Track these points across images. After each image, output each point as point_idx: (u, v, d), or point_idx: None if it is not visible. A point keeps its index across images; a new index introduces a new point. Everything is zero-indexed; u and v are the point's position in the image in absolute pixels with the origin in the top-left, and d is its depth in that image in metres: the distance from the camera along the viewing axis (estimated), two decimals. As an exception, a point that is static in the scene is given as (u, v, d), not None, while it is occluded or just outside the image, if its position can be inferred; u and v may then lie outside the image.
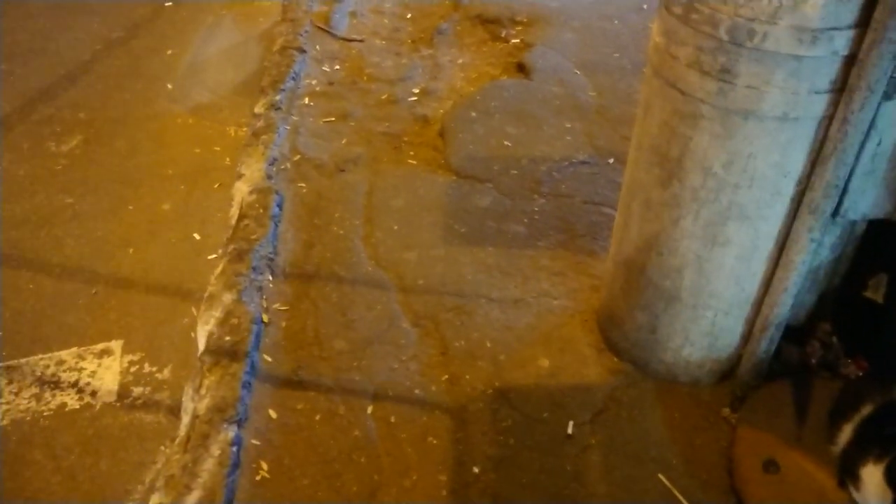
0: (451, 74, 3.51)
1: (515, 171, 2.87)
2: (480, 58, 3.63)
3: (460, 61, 3.63)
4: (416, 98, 3.34)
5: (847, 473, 1.70)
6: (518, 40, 3.72)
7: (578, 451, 1.92)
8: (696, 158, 1.66)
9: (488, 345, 2.20)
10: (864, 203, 1.76)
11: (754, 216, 1.68)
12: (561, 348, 2.18)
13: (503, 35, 3.78)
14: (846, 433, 1.74)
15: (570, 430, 1.96)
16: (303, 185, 2.82)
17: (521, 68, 3.44)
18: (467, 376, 2.11)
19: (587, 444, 1.94)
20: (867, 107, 1.52)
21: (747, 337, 1.92)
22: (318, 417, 2.01)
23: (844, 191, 1.70)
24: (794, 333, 2.06)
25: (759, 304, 1.85)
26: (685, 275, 1.82)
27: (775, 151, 1.59)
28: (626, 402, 2.03)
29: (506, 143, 3.01)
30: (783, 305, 1.81)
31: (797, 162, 1.61)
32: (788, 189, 1.64)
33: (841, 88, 1.53)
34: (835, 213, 1.76)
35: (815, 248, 1.84)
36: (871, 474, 1.62)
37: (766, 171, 1.61)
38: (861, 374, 1.91)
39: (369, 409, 2.02)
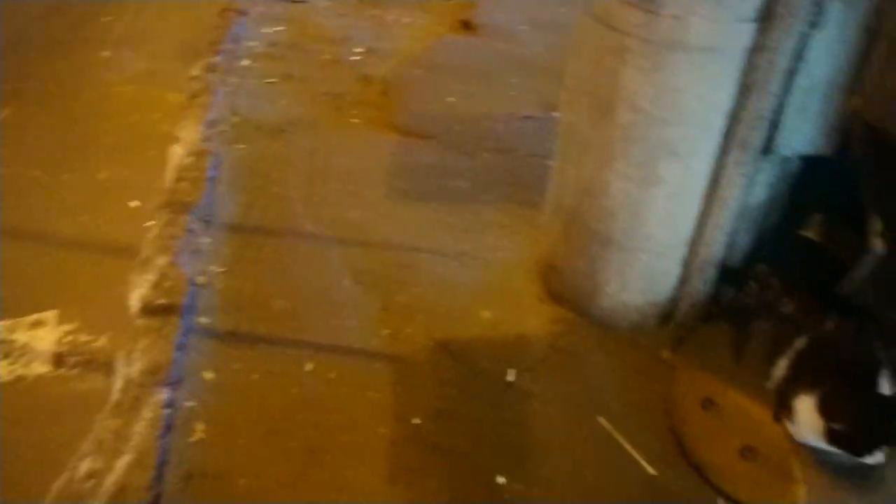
0: (397, 34, 3.45)
1: (460, 128, 2.83)
2: (426, 17, 3.57)
3: (406, 20, 3.56)
4: (359, 58, 3.28)
5: (782, 406, 1.71)
6: (465, -2, 3.67)
7: (519, 399, 1.91)
8: (624, 95, 1.63)
9: (430, 298, 2.17)
10: (797, 139, 1.75)
11: (685, 153, 1.66)
12: (503, 300, 2.16)
13: (449, -7, 3.72)
14: (781, 368, 1.74)
15: (510, 379, 1.95)
16: (242, 146, 2.75)
17: (468, 26, 3.39)
18: (408, 330, 2.08)
19: (528, 391, 1.92)
20: (792, 35, 1.50)
21: (684, 278, 1.92)
22: (255, 377, 1.97)
23: (777, 126, 1.70)
24: (732, 275, 2.06)
25: (694, 245, 1.84)
26: (619, 217, 1.80)
27: (703, 85, 1.56)
28: (568, 350, 2.02)
29: (450, 99, 2.96)
30: (717, 244, 1.80)
31: (725, 95, 1.59)
32: (718, 124, 1.63)
33: (766, 17, 1.51)
34: (767, 149, 1.75)
35: (750, 187, 1.84)
36: (804, 405, 1.62)
37: (694, 106, 1.59)
38: (796, 311, 1.91)
39: (309, 367, 1.99)
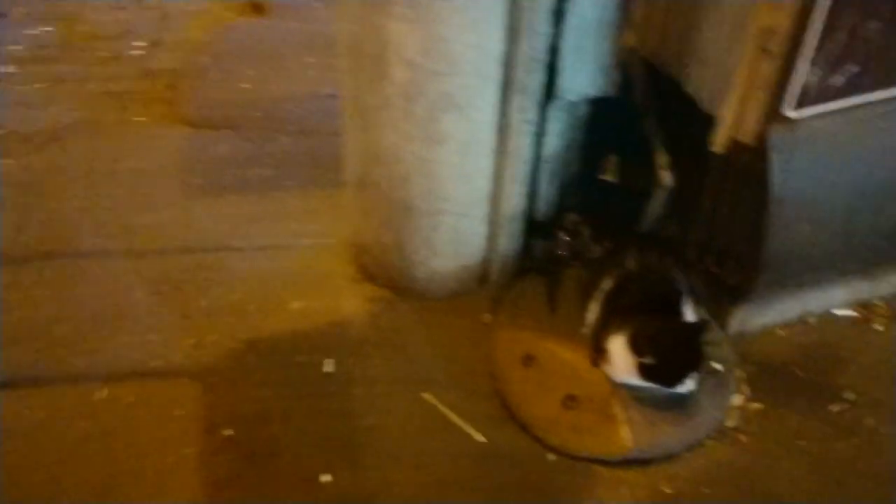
0: (182, 24, 3.19)
1: (257, 114, 2.64)
2: (214, 3, 3.33)
3: (191, 9, 3.30)
4: (142, 52, 3.00)
5: (597, 350, 1.70)
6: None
7: (340, 389, 1.79)
8: (395, 50, 1.53)
9: (235, 298, 1.99)
10: (578, 82, 1.73)
11: (466, 105, 1.59)
12: (314, 287, 2.03)
13: (237, -23, 3.49)
14: (592, 312, 1.73)
15: (329, 369, 1.82)
16: (9, 161, 2.42)
17: (258, 8, 3.20)
18: (213, 336, 1.90)
19: (349, 378, 1.81)
20: (550, -27, 1.46)
21: (492, 237, 1.87)
22: (41, 416, 1.72)
23: (556, 70, 1.66)
24: (541, 228, 2.04)
25: (494, 200, 1.79)
26: (414, 181, 1.72)
27: (469, 31, 1.50)
28: (387, 329, 1.92)
29: (244, 85, 2.77)
30: (517, 198, 1.76)
31: (495, 40, 1.53)
32: (493, 71, 1.57)
33: (523, -43, 1.47)
34: (551, 95, 1.72)
35: (543, 136, 1.81)
36: (616, 344, 1.61)
37: (466, 54, 1.52)
38: (604, 254, 1.91)
39: (101, 395, 1.76)
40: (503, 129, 1.65)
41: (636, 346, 1.56)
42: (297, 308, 1.97)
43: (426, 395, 1.77)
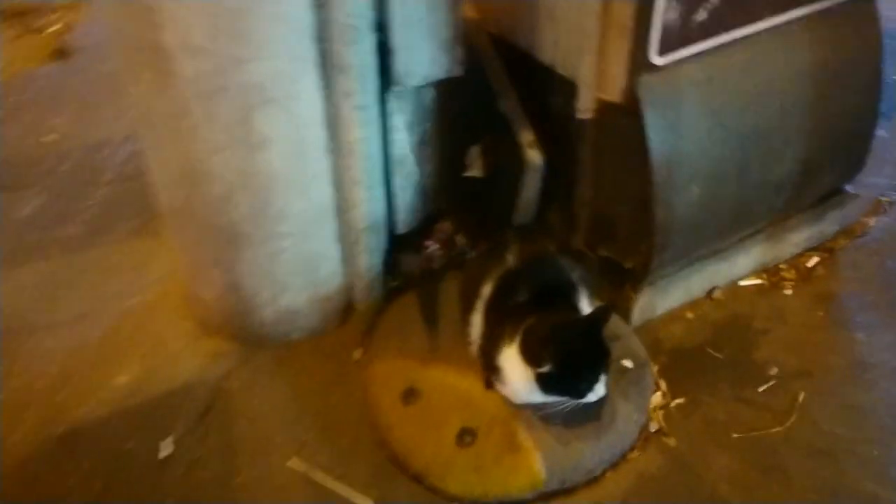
0: (-26, 79, 2.75)
1: (67, 166, 2.25)
2: (11, 50, 2.91)
3: (-14, 62, 2.87)
4: (-74, 116, 2.54)
5: (489, 369, 1.42)
6: (59, 26, 3.06)
7: (183, 471, 1.42)
8: (170, 39, 1.22)
9: (44, 385, 1.60)
10: (418, 62, 1.48)
11: (282, 96, 1.30)
12: (144, 353, 1.66)
13: (40, 24, 3.09)
14: (476, 325, 1.45)
15: (166, 452, 1.45)
16: None
17: (62, 53, 2.82)
18: (17, 435, 1.49)
19: (194, 457, 1.45)
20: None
21: (347, 258, 1.57)
22: None
23: (390, 51, 1.41)
24: (408, 241, 1.77)
25: (341, 213, 1.50)
26: (237, 201, 1.40)
27: (266, 1, 1.21)
28: (239, 388, 1.58)
29: (51, 137, 2.37)
30: (366, 204, 1.48)
31: (300, 10, 1.25)
32: (308, 49, 1.28)
33: None
34: (390, 81, 1.46)
35: (389, 133, 1.54)
36: (507, 358, 1.34)
37: (268, 30, 1.24)
38: (482, 258, 1.65)
39: None
40: (333, 122, 1.37)
41: (529, 355, 1.29)
42: (122, 383, 1.59)
43: (294, 463, 1.44)
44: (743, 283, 1.78)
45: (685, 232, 1.53)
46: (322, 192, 1.45)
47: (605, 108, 1.46)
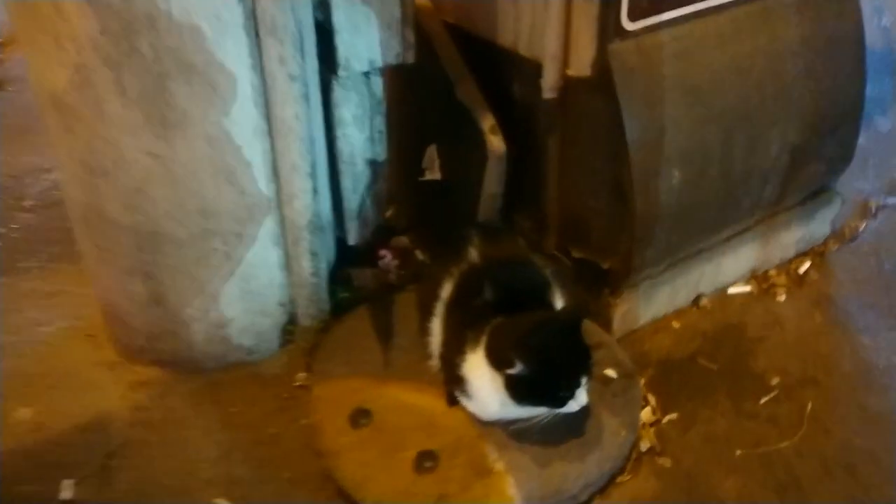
0: None
1: (-13, 195, 2.05)
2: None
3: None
4: None
5: (452, 382, 1.21)
6: (-6, 62, 2.90)
7: (86, 519, 1.19)
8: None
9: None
10: (365, 45, 1.32)
11: (204, 64, 1.12)
12: (53, 384, 1.42)
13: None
14: (436, 333, 1.26)
15: (66, 495, 1.21)
16: None
17: (-5, 84, 2.65)
18: None
19: (97, 501, 1.21)
20: None
21: (289, 264, 1.37)
22: None
23: (332, 29, 1.26)
24: (363, 255, 1.59)
25: (279, 209, 1.31)
26: (153, 193, 1.21)
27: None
28: (160, 420, 1.35)
29: (-25, 169, 2.17)
30: (305, 196, 1.29)
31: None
32: (230, 7, 1.11)
33: None
34: (335, 65, 1.30)
35: (340, 128, 1.38)
36: (474, 366, 1.14)
37: (187, -10, 1.08)
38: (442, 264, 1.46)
39: None
40: (265, 97, 1.19)
41: (497, 358, 1.09)
42: (24, 418, 1.35)
43: (220, 501, 1.20)
44: (732, 290, 1.61)
45: (667, 223, 1.36)
46: (256, 183, 1.26)
47: (573, 85, 1.31)
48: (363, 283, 1.55)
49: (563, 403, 1.10)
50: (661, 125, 1.28)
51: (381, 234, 1.64)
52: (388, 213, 1.74)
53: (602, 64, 1.24)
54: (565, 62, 1.29)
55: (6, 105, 2.54)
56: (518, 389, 1.08)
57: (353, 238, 1.57)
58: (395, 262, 1.57)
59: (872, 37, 1.48)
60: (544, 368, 1.07)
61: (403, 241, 1.67)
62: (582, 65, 1.27)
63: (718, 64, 1.34)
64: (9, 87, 2.65)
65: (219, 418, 1.35)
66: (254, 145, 1.22)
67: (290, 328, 1.45)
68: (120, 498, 1.21)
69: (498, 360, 1.09)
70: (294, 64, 1.17)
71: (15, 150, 2.27)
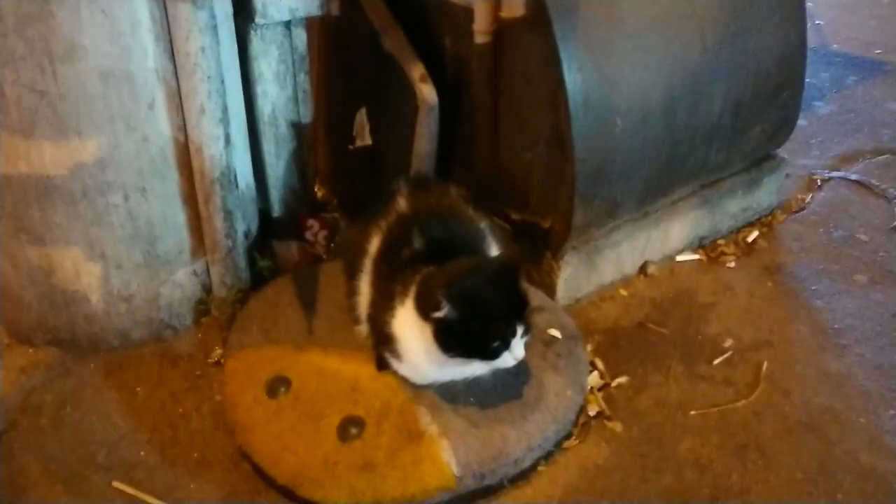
0: None
1: None
2: None
3: None
4: None
5: (382, 345, 1.09)
6: None
7: (-43, 513, 1.02)
8: None
9: None
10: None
11: (96, -5, 1.01)
12: (-70, 370, 1.26)
13: None
14: (364, 293, 1.14)
15: (-68, 486, 1.05)
16: None
17: None
18: None
19: (-26, 492, 1.05)
20: None
21: (199, 225, 1.25)
22: None
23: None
24: (289, 228, 1.47)
25: (185, 161, 1.18)
26: (40, 137, 1.07)
27: None
28: (52, 404, 1.19)
29: None
30: (214, 144, 1.16)
31: None
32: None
33: None
34: (252, 10, 1.20)
35: (260, 85, 1.28)
36: (403, 321, 1.02)
37: None
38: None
39: None
40: (168, 29, 1.08)
41: (424, 302, 0.98)
42: None
43: (118, 485, 1.05)
44: (680, 258, 1.54)
45: (609, 177, 1.28)
46: (159, 129, 1.14)
47: (507, 28, 1.23)
48: (286, 255, 1.43)
49: (496, 355, 0.99)
50: (601, 68, 1.21)
51: (308, 207, 1.53)
52: (319, 195, 1.64)
53: (537, 1, 1.16)
54: (497, 4, 1.21)
55: None
56: (446, 337, 0.96)
57: (277, 209, 1.45)
58: (324, 233, 1.46)
59: (808, 35, 1.49)
60: (475, 313, 0.96)
61: (332, 214, 1.56)
62: (515, 4, 1.19)
63: (660, 7, 1.28)
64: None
65: (120, 400, 1.20)
66: (155, 85, 1.11)
67: (203, 301, 1.32)
68: (2, 486, 1.06)
69: (425, 306, 0.97)
70: (198, 16, 1.06)
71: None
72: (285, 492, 1.02)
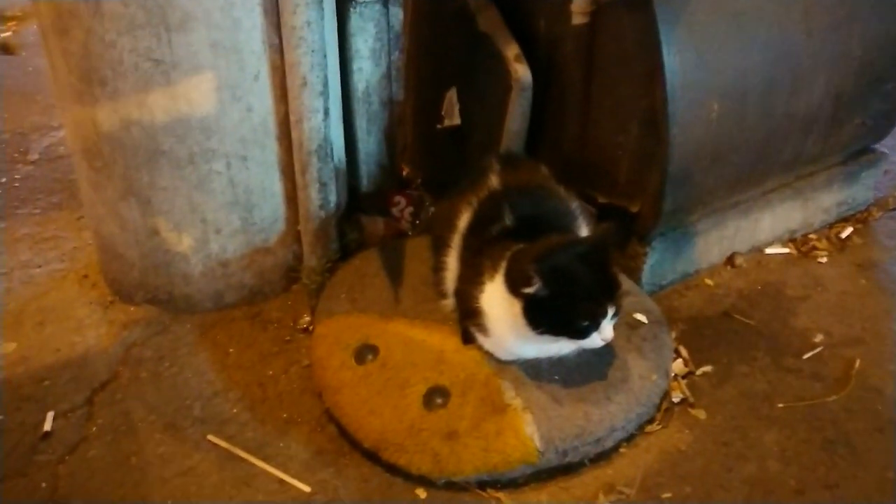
0: None
1: (-10, 148, 1.99)
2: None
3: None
4: None
5: (468, 318, 1.11)
6: (9, 34, 2.87)
7: (64, 452, 1.09)
8: None
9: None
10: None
11: (210, -34, 1.05)
12: (41, 320, 1.34)
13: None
14: (451, 268, 1.16)
15: (47, 427, 1.12)
16: None
17: (6, 48, 2.64)
18: None
19: (81, 436, 1.11)
20: None
21: (294, 194, 1.29)
22: None
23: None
24: (377, 204, 1.50)
25: (285, 132, 1.22)
26: (151, 103, 1.13)
27: None
28: (151, 358, 1.25)
29: (-22, 124, 2.12)
30: (314, 117, 1.19)
31: None
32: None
33: None
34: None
35: (356, 62, 1.31)
36: (491, 297, 1.04)
37: None
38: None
39: None
40: (276, 3, 1.11)
41: (515, 278, 0.99)
42: (9, 351, 1.27)
43: (212, 438, 1.10)
44: (769, 251, 1.51)
45: (702, 162, 1.26)
46: (262, 100, 1.18)
47: (606, 7, 1.22)
48: (373, 229, 1.46)
49: (585, 335, 0.99)
50: (700, 50, 1.19)
51: (395, 183, 1.56)
52: (404, 172, 1.66)
53: (638, -18, 1.15)
54: (598, -18, 1.21)
55: (18, 69, 2.50)
56: (536, 313, 0.97)
57: (365, 183, 1.48)
58: (409, 210, 1.48)
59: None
60: (566, 291, 0.96)
61: (419, 192, 1.59)
62: (615, -15, 1.18)
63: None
64: (21, 52, 2.62)
65: (214, 359, 1.25)
66: (261, 57, 1.14)
67: (295, 269, 1.36)
68: (102, 433, 1.12)
69: (516, 281, 0.98)
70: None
71: (24, 110, 2.22)
72: (370, 455, 1.05)
